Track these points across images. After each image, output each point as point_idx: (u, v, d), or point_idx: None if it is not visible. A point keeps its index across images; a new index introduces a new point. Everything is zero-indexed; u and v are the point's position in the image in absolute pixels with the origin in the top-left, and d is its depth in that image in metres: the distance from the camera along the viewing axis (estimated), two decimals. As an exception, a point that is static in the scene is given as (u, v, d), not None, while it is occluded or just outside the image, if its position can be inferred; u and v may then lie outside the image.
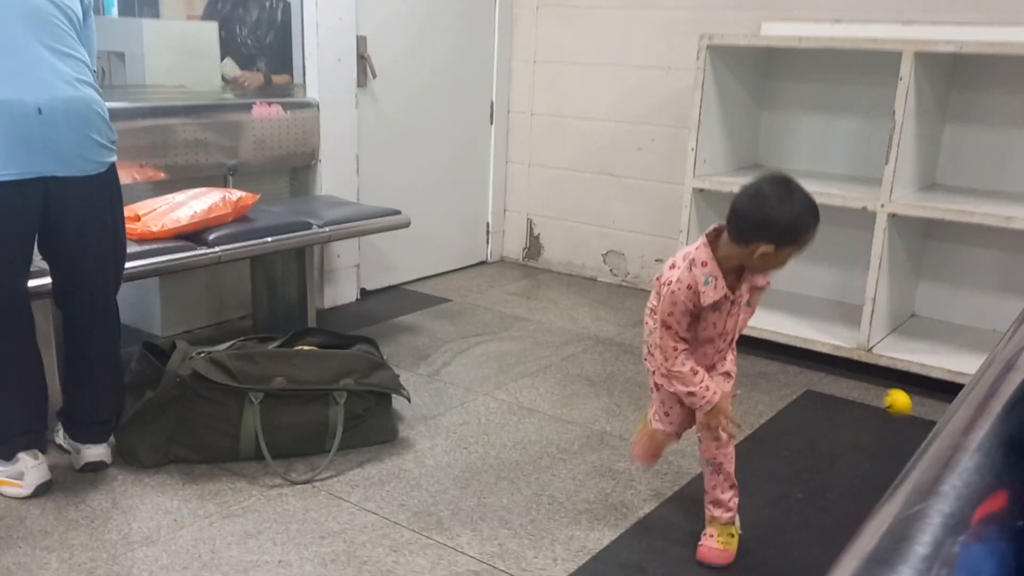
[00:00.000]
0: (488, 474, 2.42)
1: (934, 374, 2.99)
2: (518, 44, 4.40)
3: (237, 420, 2.37)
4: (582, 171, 4.32)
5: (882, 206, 3.01)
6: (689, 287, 1.87)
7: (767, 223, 1.79)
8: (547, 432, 2.68)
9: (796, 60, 3.60)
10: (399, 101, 3.94)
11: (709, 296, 1.87)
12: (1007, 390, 0.84)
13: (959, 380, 2.92)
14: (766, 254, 1.81)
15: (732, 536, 2.08)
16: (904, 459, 2.30)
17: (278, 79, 3.55)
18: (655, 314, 1.98)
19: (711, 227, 1.92)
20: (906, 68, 2.89)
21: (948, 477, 0.66)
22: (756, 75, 3.64)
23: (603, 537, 2.14)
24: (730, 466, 2.07)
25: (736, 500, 2.09)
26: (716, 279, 1.88)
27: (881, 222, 3.02)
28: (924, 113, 3.07)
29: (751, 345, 3.37)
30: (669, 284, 1.90)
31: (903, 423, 2.78)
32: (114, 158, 2.18)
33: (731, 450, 2.08)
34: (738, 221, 1.83)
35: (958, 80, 3.27)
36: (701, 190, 3.42)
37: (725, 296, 1.90)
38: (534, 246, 4.59)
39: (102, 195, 2.18)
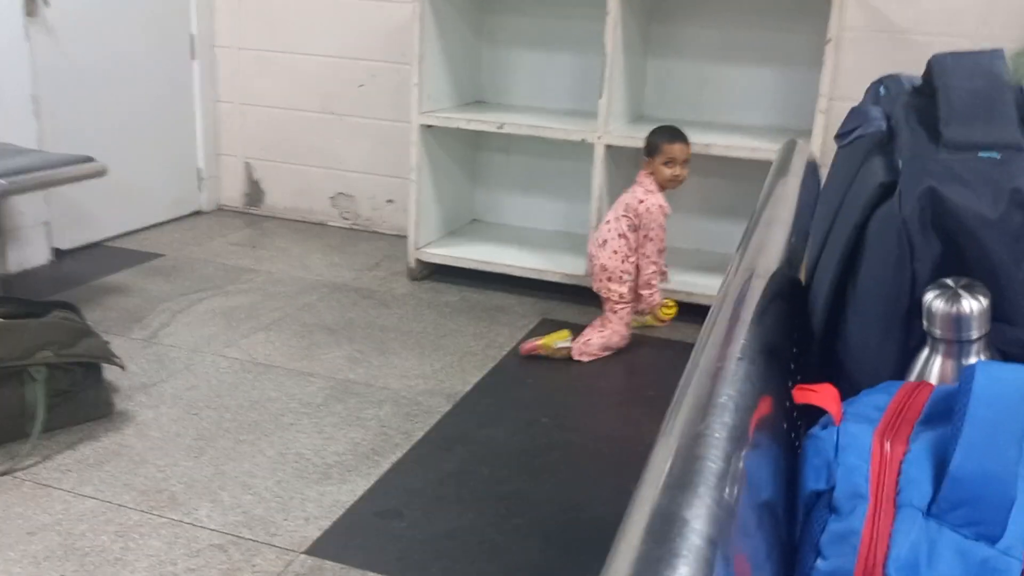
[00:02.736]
0: (225, 439, 2.23)
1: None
2: (219, -30, 4.01)
3: (-97, 415, 1.97)
4: (302, 110, 4.08)
5: (599, 138, 3.13)
6: (661, 206, 2.83)
7: (650, 142, 2.89)
8: (287, 387, 2.53)
9: (512, -7, 3.62)
10: (82, 33, 3.44)
11: (667, 208, 2.85)
12: (753, 298, 0.86)
13: (672, 297, 3.16)
14: (659, 162, 2.84)
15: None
16: (634, 373, 2.44)
17: None
18: (625, 239, 2.84)
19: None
20: (612, 1, 3.01)
21: (722, 388, 0.65)
22: (475, 9, 3.62)
23: (357, 488, 2.06)
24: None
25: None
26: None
27: (599, 153, 3.15)
28: (630, 48, 3.23)
29: (488, 280, 3.42)
30: (648, 210, 2.80)
31: (636, 343, 2.96)
32: None
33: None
34: (645, 147, 2.90)
35: (657, 15, 3.47)
36: (429, 127, 3.36)
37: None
38: (255, 192, 4.29)
39: None
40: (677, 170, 2.85)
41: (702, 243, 3.64)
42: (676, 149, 2.84)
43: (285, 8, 3.97)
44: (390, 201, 4.04)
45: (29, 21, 3.20)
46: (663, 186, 2.87)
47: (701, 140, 3.06)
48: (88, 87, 3.51)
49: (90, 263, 3.46)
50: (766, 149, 2.97)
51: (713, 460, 0.55)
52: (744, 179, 3.47)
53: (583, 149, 3.23)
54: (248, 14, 4.03)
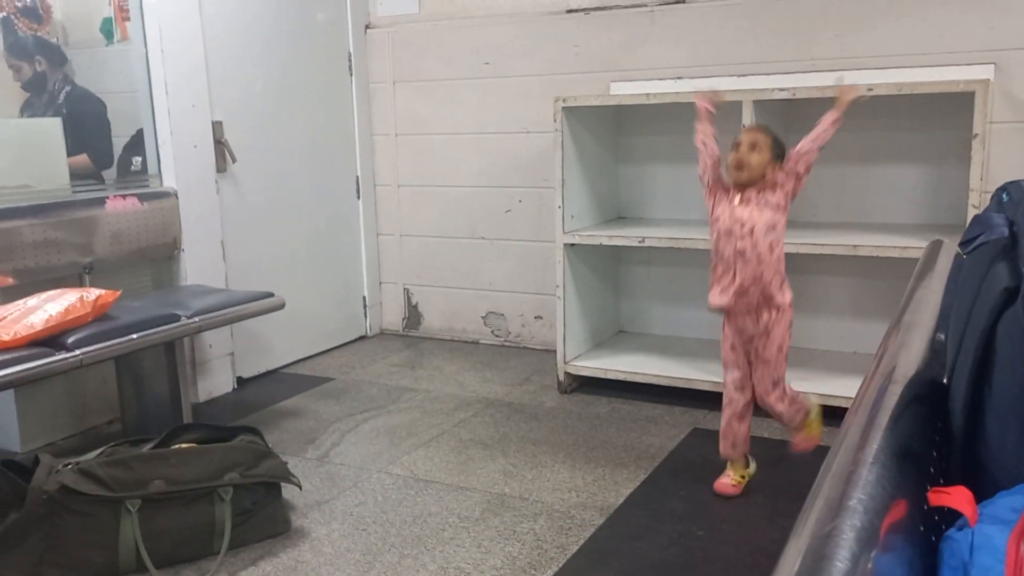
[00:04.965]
0: (390, 554, 2.34)
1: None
2: (378, 118, 4.43)
3: (114, 531, 2.21)
4: (453, 237, 4.36)
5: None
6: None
7: None
8: (447, 502, 2.63)
9: (646, 115, 3.78)
10: (262, 182, 3.88)
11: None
12: (890, 402, 0.89)
13: (827, 403, 3.08)
14: None
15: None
16: (788, 484, 2.37)
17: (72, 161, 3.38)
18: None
19: None
20: (747, 115, 3.10)
21: (853, 492, 0.69)
22: (611, 132, 3.80)
23: (516, 602, 2.10)
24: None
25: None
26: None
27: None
28: (768, 156, 3.28)
29: (637, 391, 3.45)
30: None
31: (782, 451, 2.89)
32: None
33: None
34: None
35: (795, 125, 3.51)
36: (572, 245, 3.51)
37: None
38: (413, 315, 4.56)
39: None
40: (734, 153, 2.50)
41: (858, 346, 3.54)
42: (741, 135, 2.55)
43: (435, 147, 4.31)
44: (538, 317, 4.19)
45: (219, 176, 3.64)
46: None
47: (850, 241, 3.04)
48: (266, 229, 3.91)
49: (268, 389, 3.77)
50: (917, 247, 2.90)
51: (841, 560, 0.59)
52: (898, 278, 3.39)
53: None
54: (404, 154, 4.40)
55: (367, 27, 4.36)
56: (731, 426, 2.62)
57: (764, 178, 2.47)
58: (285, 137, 3.99)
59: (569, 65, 3.91)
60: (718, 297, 2.55)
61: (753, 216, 2.47)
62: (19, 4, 3.60)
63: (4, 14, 3.47)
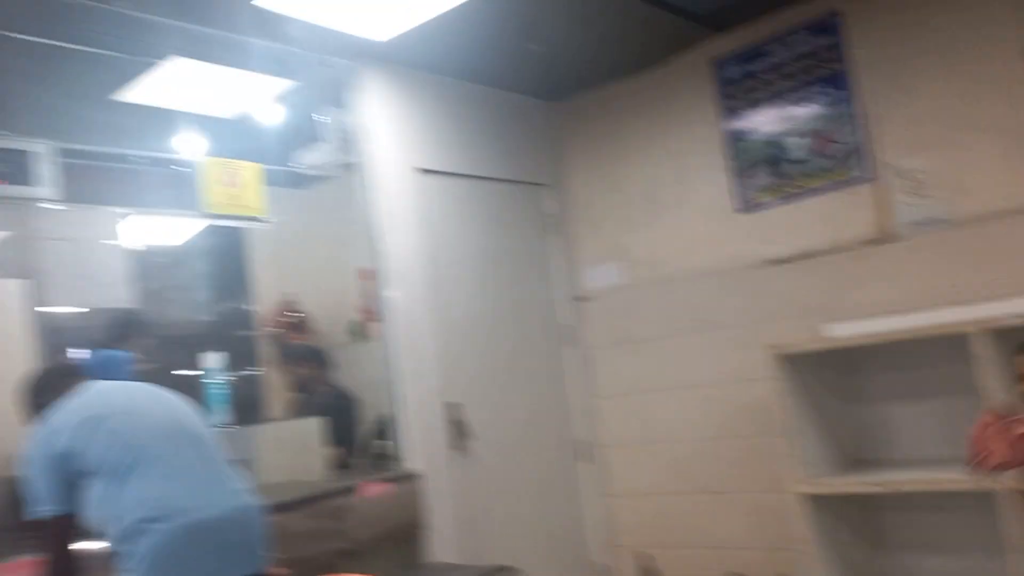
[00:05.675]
0: None
1: None
2: (597, 380, 4.62)
3: None
4: (682, 494, 4.29)
5: (1000, 485, 2.90)
6: None
7: None
8: None
9: (867, 353, 3.68)
10: (490, 455, 4.08)
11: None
12: None
13: None
14: None
15: None
16: None
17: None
18: None
19: None
20: (978, 345, 2.96)
21: None
22: (833, 373, 3.72)
23: None
24: None
25: None
26: None
27: (1005, 502, 2.89)
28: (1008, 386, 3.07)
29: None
30: None
31: None
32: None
33: None
34: None
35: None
36: (811, 495, 3.35)
37: None
38: (648, 578, 4.42)
39: None
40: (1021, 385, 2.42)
41: None
42: (1019, 360, 2.44)
43: (654, 404, 4.39)
44: (782, 574, 3.93)
45: (454, 453, 3.89)
46: None
47: None
48: (496, 497, 4.06)
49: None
50: None
51: None
52: None
53: (984, 498, 2.99)
54: (623, 414, 4.51)
55: (578, 299, 4.70)
56: None
57: None
58: (508, 410, 4.24)
59: (776, 310, 3.96)
60: None
61: None
62: (286, 319, 4.25)
63: (278, 329, 4.10)
